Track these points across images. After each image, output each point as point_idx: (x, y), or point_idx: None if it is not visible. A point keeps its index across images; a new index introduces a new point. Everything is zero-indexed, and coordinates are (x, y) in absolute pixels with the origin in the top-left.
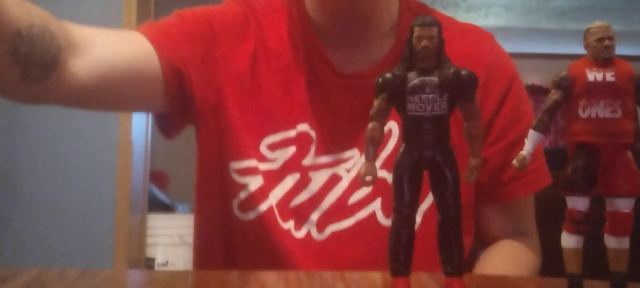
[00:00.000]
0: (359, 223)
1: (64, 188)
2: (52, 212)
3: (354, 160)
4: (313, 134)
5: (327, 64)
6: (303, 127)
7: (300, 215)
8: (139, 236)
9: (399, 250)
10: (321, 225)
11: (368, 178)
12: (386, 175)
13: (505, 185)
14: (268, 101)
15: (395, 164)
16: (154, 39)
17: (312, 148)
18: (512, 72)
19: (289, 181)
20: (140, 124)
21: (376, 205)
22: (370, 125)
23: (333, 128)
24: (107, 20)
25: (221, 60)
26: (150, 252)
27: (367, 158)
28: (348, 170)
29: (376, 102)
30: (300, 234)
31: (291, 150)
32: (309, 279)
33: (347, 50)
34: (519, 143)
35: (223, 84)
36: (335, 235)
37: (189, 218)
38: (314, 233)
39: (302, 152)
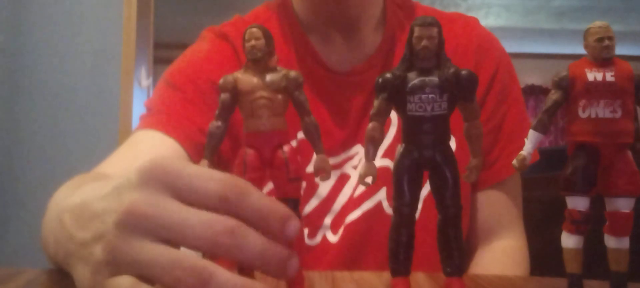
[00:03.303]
0: (365, 214)
1: None
2: None
3: (359, 156)
4: None
5: (322, 64)
6: (302, 134)
7: (314, 222)
8: None
9: (399, 250)
10: (335, 226)
11: (368, 179)
12: (389, 164)
13: (490, 167)
14: None
15: (395, 164)
16: (168, 130)
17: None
18: (499, 52)
19: None
20: None
21: (381, 195)
22: (370, 125)
23: (333, 128)
24: (107, 20)
25: None
26: None
27: (367, 158)
28: (354, 167)
29: (376, 102)
30: (315, 241)
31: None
32: (309, 279)
33: (339, 48)
34: (503, 124)
35: (237, 125)
36: (345, 230)
37: None
38: (330, 236)
39: (305, 160)
